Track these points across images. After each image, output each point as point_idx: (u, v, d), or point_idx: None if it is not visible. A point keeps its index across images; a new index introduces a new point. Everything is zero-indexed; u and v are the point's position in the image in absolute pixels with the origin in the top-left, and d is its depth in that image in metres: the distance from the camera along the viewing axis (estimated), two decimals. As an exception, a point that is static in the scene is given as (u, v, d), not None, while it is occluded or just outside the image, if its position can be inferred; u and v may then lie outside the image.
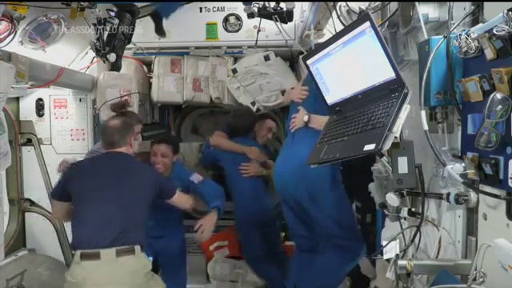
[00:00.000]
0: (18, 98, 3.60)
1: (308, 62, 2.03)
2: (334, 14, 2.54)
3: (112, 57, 2.63)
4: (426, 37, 1.67)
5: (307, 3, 3.16)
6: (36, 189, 3.66)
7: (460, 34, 1.49)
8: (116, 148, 2.55)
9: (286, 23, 3.01)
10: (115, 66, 2.78)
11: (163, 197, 2.69)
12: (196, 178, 3.07)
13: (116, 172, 2.45)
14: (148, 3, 3.43)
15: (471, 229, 1.63)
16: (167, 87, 3.93)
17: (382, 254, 1.87)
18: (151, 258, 2.49)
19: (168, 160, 3.10)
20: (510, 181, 1.29)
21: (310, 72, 2.04)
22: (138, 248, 2.28)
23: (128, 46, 3.00)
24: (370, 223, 3.24)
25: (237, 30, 3.75)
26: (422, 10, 1.71)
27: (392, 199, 1.83)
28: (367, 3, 2.31)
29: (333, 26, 2.59)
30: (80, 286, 2.19)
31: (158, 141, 3.15)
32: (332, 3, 2.53)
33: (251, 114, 3.72)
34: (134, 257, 2.24)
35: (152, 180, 2.57)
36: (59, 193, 2.49)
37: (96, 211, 2.30)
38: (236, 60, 4.00)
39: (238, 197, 3.63)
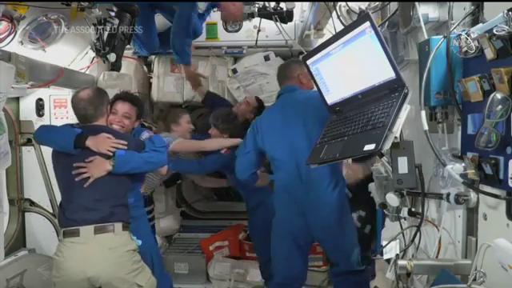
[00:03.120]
0: (18, 98, 3.59)
1: (308, 61, 2.03)
2: (333, 14, 2.54)
3: (112, 57, 2.63)
4: (426, 37, 1.67)
5: (307, 3, 3.16)
6: (36, 189, 3.65)
7: (460, 34, 1.49)
8: (93, 121, 2.38)
9: (286, 23, 3.02)
10: (115, 66, 2.78)
11: None
12: (145, 135, 2.80)
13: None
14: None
15: (471, 229, 1.63)
16: (167, 87, 3.94)
17: (381, 254, 1.87)
18: (140, 242, 2.36)
19: (129, 123, 2.69)
20: (510, 181, 1.29)
21: (309, 72, 2.04)
22: (118, 226, 2.23)
23: (128, 46, 3.00)
24: (368, 234, 3.24)
25: (237, 30, 3.76)
26: (422, 10, 1.71)
27: (392, 199, 1.83)
28: (367, 3, 2.31)
29: (333, 26, 2.59)
30: (61, 263, 2.19)
31: (123, 98, 2.72)
32: (332, 3, 2.54)
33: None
34: (113, 234, 2.20)
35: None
36: None
37: (79, 189, 2.25)
38: (236, 60, 4.00)
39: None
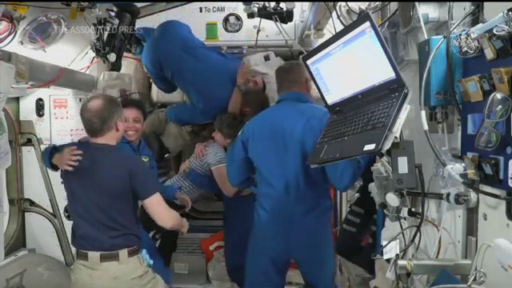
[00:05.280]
0: (18, 98, 3.60)
1: (308, 61, 2.03)
2: (333, 14, 2.54)
3: (112, 57, 2.63)
4: (426, 37, 1.67)
5: (307, 3, 3.16)
6: (36, 189, 3.65)
7: (460, 34, 1.49)
8: (98, 136, 2.20)
9: (286, 23, 3.01)
10: (115, 66, 2.79)
11: (137, 195, 2.21)
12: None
13: (93, 172, 2.16)
14: (148, 3, 3.44)
15: (471, 229, 1.63)
16: (167, 87, 3.92)
17: (381, 254, 1.87)
18: (151, 261, 2.31)
19: (140, 126, 2.77)
20: (510, 181, 1.29)
21: (309, 72, 2.04)
22: (123, 253, 2.15)
23: (128, 46, 3.01)
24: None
25: (237, 30, 3.75)
26: (422, 10, 1.71)
27: (392, 199, 1.83)
28: (367, 3, 2.31)
29: (333, 26, 2.59)
30: (74, 284, 2.22)
31: (128, 105, 2.73)
32: (332, 3, 2.54)
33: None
34: (117, 263, 2.14)
35: (125, 175, 2.14)
36: None
37: (83, 213, 2.20)
38: (236, 60, 3.99)
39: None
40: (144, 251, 2.30)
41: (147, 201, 2.19)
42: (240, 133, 2.54)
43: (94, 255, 2.15)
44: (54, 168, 2.30)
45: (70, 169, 2.16)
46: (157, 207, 2.22)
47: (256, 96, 3.34)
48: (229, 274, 3.64)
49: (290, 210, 2.36)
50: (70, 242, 3.59)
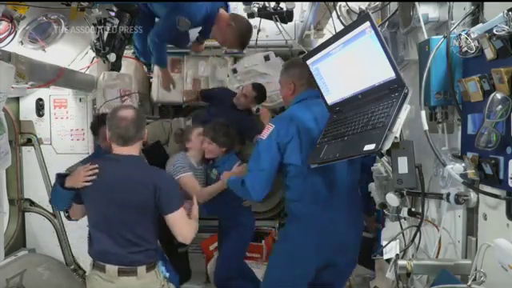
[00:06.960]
0: (18, 98, 3.60)
1: (308, 61, 2.03)
2: (333, 14, 2.54)
3: (112, 57, 2.63)
4: (426, 37, 1.67)
5: (307, 3, 3.17)
6: (36, 189, 3.66)
7: (460, 34, 1.49)
8: (129, 145, 2.16)
9: (286, 23, 3.02)
10: (115, 66, 2.78)
11: (161, 209, 2.16)
12: None
13: (117, 185, 2.14)
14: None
15: (471, 229, 1.63)
16: (167, 87, 3.93)
17: (381, 254, 1.87)
18: (168, 274, 2.31)
19: None
20: (510, 181, 1.29)
21: (310, 72, 2.04)
22: (141, 269, 2.14)
23: (128, 46, 3.00)
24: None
25: (237, 30, 3.75)
26: (422, 10, 1.71)
27: (392, 199, 1.83)
28: (367, 3, 2.31)
29: (333, 26, 2.60)
30: None
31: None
32: (332, 3, 2.54)
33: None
34: (135, 278, 2.13)
35: (150, 189, 2.11)
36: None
37: (104, 228, 2.17)
38: (236, 60, 4.00)
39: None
40: (160, 263, 2.29)
41: (170, 216, 2.16)
42: (271, 135, 2.16)
43: (111, 268, 2.13)
44: (69, 190, 2.23)
45: (89, 184, 2.14)
46: (179, 222, 2.19)
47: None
48: (217, 284, 3.40)
49: (336, 211, 2.21)
50: (69, 242, 3.62)
